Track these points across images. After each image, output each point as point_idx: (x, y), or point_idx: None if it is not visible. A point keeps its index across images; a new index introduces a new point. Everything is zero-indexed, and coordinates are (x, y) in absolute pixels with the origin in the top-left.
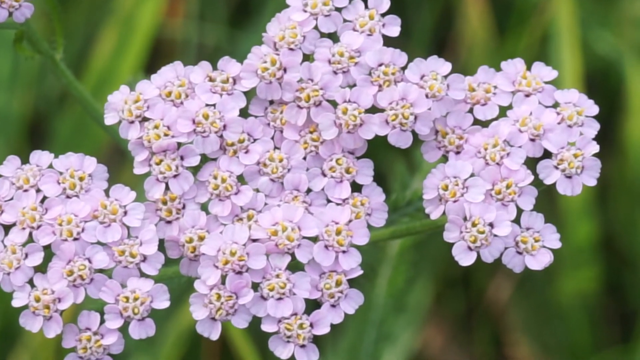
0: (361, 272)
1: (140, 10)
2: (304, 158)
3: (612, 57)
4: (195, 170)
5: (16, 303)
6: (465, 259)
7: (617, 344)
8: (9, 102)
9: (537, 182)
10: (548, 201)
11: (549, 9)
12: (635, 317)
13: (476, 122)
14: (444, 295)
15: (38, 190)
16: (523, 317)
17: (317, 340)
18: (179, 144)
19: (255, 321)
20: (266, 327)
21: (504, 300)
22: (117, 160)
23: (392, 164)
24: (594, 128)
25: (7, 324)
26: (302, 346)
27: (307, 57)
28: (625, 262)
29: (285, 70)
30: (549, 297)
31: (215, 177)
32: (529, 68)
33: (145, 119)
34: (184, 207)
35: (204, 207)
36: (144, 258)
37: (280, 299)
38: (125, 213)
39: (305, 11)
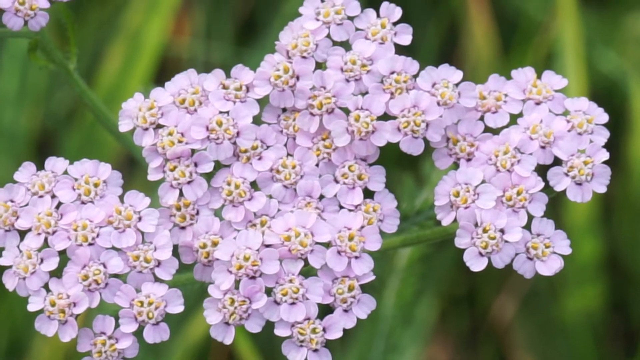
0: (374, 277)
1: (147, 27)
2: (317, 165)
3: (616, 75)
4: (209, 176)
5: (32, 307)
6: (477, 265)
7: None
8: (17, 118)
9: (547, 189)
10: (553, 218)
11: (553, 27)
12: (639, 335)
13: (487, 129)
14: (449, 312)
15: (53, 196)
16: (527, 335)
17: (329, 345)
18: (193, 151)
19: (263, 333)
20: (279, 332)
21: (509, 318)
22: (126, 172)
23: (400, 178)
24: (603, 136)
25: (15, 340)
26: (315, 350)
27: (320, 65)
28: (629, 279)
29: (297, 78)
30: (554, 315)
31: (228, 184)
32: (539, 77)
33: (159, 126)
34: (197, 213)
35: (218, 213)
36: (158, 263)
37: (293, 303)
38: (140, 219)
39: (317, 20)
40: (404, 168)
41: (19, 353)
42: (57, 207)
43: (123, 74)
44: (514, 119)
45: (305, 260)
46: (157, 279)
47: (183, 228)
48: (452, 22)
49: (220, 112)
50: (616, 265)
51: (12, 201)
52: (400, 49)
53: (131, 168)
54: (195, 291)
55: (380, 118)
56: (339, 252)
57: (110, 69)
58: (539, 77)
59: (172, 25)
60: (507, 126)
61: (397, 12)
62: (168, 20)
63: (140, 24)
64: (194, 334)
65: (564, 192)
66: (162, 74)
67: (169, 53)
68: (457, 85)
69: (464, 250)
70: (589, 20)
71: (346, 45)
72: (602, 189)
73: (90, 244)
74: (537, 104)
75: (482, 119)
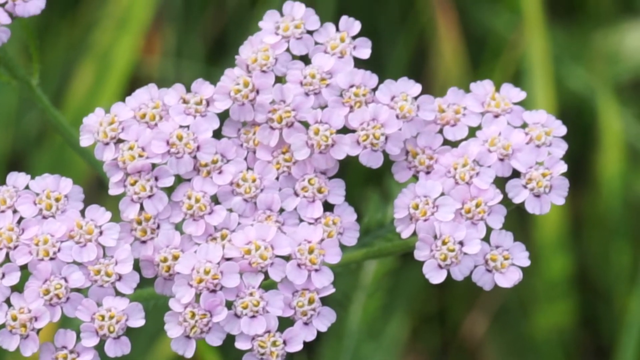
0: (333, 290)
1: (117, 46)
2: (277, 178)
3: (585, 93)
4: (169, 190)
5: None
6: (436, 277)
7: None
8: None
9: (506, 201)
10: (521, 235)
11: (521, 44)
12: (610, 351)
13: (446, 142)
14: (420, 330)
15: (15, 211)
16: (498, 351)
17: (290, 357)
18: (154, 165)
19: (229, 342)
20: (240, 345)
21: (480, 335)
22: (96, 192)
23: (366, 195)
24: (562, 148)
25: None
26: None
27: (280, 79)
28: (600, 295)
29: (257, 92)
30: (524, 331)
31: (189, 198)
32: (498, 90)
33: (120, 141)
34: (158, 227)
35: (178, 227)
36: (120, 277)
37: (253, 316)
38: (101, 233)
39: (277, 34)
40: (372, 184)
41: None
42: (19, 221)
43: (92, 93)
44: (472, 131)
45: (266, 274)
46: (118, 293)
47: (144, 242)
48: (421, 38)
49: (181, 127)
50: (586, 282)
51: None
52: (368, 66)
53: (100, 189)
54: (164, 309)
55: (339, 131)
56: (299, 265)
57: (79, 88)
58: (497, 90)
59: (143, 44)
60: (465, 139)
61: (356, 26)
62: (138, 39)
63: (110, 43)
64: (165, 350)
65: (523, 204)
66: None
67: (140, 72)
68: (416, 98)
69: (423, 262)
70: (557, 36)
71: (306, 59)
72: (561, 201)
73: (51, 259)
74: (496, 116)
75: (441, 131)
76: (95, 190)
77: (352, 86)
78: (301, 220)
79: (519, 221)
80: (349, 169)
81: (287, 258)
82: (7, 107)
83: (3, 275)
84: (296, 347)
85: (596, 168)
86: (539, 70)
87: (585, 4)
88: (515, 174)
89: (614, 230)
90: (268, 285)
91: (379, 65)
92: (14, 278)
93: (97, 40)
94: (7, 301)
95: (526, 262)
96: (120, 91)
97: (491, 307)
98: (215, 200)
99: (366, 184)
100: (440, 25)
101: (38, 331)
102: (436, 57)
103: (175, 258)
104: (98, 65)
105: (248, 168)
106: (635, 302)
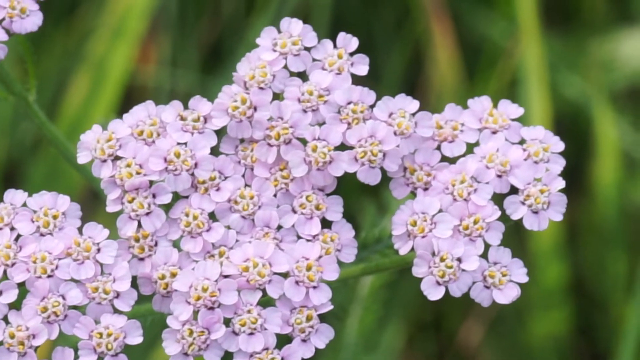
0: (331, 307)
1: (112, 56)
2: (275, 195)
3: (581, 100)
4: (167, 207)
5: None
6: (434, 294)
7: None
8: None
9: (504, 218)
10: (518, 243)
11: (517, 52)
12: (606, 359)
13: (444, 158)
14: (416, 338)
15: (12, 229)
16: (496, 356)
17: None
18: (151, 182)
19: (227, 356)
20: None
21: (476, 343)
22: (90, 203)
23: (362, 205)
24: (559, 164)
25: None
26: None
27: (277, 96)
28: (595, 303)
29: (255, 108)
30: (520, 339)
31: (187, 215)
32: (495, 106)
33: (117, 158)
34: (156, 244)
35: (176, 244)
36: (117, 294)
37: (252, 334)
38: (99, 250)
39: (274, 50)
40: (368, 194)
41: None
42: (16, 239)
43: (87, 103)
44: (470, 148)
45: (264, 291)
46: (116, 310)
47: (142, 259)
48: (416, 46)
49: (178, 144)
50: (582, 290)
51: None
52: (363, 76)
53: (94, 200)
54: (159, 322)
55: (337, 148)
56: (297, 282)
57: (74, 98)
58: (495, 106)
59: (138, 53)
60: (463, 155)
61: (354, 43)
62: (133, 48)
63: (105, 52)
64: None
65: (521, 222)
66: (127, 103)
67: (135, 81)
68: (413, 114)
69: (421, 278)
70: (552, 45)
71: (303, 76)
72: (559, 217)
73: (49, 276)
74: (494, 132)
75: (438, 148)
76: (90, 201)
77: (349, 103)
78: (299, 237)
79: (515, 230)
80: (344, 179)
81: (285, 275)
82: (1, 117)
83: (1, 293)
84: None
85: (592, 176)
86: (535, 79)
87: (580, 11)
88: (514, 190)
89: (609, 238)
90: (266, 302)
91: (375, 74)
92: (11, 295)
93: (92, 49)
94: (5, 319)
95: (524, 279)
96: (115, 101)
97: (487, 315)
98: (213, 217)
99: (362, 194)
100: (436, 34)
101: (36, 349)
102: (431, 66)
103: (173, 275)
104: (93, 74)
105: (246, 185)
106: (632, 310)
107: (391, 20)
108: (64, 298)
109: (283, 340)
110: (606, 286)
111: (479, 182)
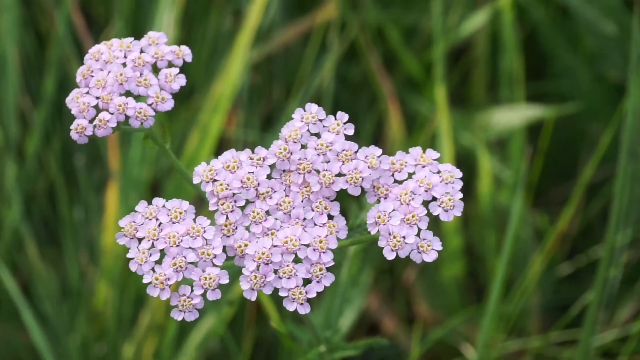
0: (333, 263)
1: (211, 122)
2: (302, 201)
3: (471, 147)
4: (242, 208)
5: (145, 280)
6: (389, 256)
7: (475, 304)
8: (140, 172)
9: (429, 214)
10: (436, 227)
11: (435, 120)
12: (484, 291)
13: (395, 181)
14: (379, 279)
15: (157, 219)
16: (423, 290)
17: (309, 301)
18: (234, 194)
19: (275, 291)
20: (282, 293)
21: (412, 281)
22: (199, 205)
23: (350, 206)
24: (459, 184)
25: (139, 295)
26: (301, 304)
27: (303, 146)
28: (479, 260)
29: (291, 153)
30: (437, 279)
31: (253, 212)
32: (424, 151)
33: (214, 180)
34: (236, 228)
35: (247, 228)
36: (215, 256)
37: (289, 278)
38: (205, 231)
39: (302, 121)
40: (353, 200)
41: (141, 303)
42: (159, 225)
43: (197, 149)
44: (410, 175)
45: (296, 254)
46: (214, 265)
47: (228, 237)
48: (380, 118)
49: (249, 173)
50: (471, 251)
51: (134, 222)
52: (351, 135)
53: (202, 203)
54: (237, 271)
55: (337, 175)
56: (314, 250)
57: (190, 146)
58: (424, 151)
59: (226, 120)
60: (406, 179)
61: (345, 117)
62: (224, 117)
63: (208, 120)
64: (237, 293)
65: (438, 215)
66: (220, 150)
67: (224, 136)
68: (379, 157)
69: (383, 247)
70: (455, 115)
71: (318, 135)
72: (459, 214)
73: (177, 246)
74: (423, 167)
75: (392, 175)
76: (199, 204)
77: (343, 150)
78: (315, 225)
79: (435, 220)
80: (341, 192)
81: (307, 245)
82: (150, 155)
83: (150, 255)
84: (312, 295)
85: (477, 190)
86: (445, 136)
87: (471, 96)
88: (434, 199)
89: (486, 223)
90: (297, 260)
91: (357, 134)
92: (156, 257)
93: (201, 118)
94: (152, 269)
95: (440, 247)
96: (213, 148)
97: (419, 266)
98: (268, 213)
99: (350, 200)
100: (390, 109)
101: (169, 286)
102: (388, 128)
103: (246, 245)
104: (201, 133)
105: (286, 195)
106: (499, 263)
107: (366, 102)
108: (185, 258)
109: (306, 282)
110: (484, 250)
111: (415, 194)
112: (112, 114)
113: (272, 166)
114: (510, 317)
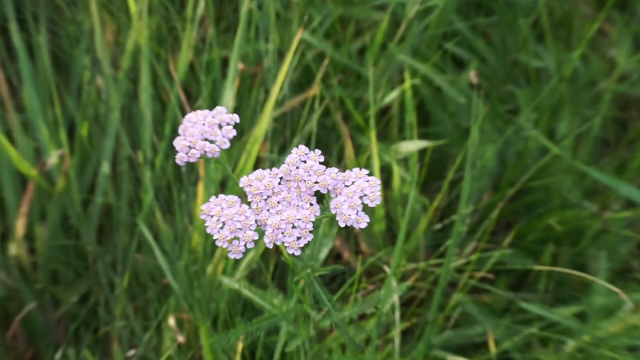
0: (313, 228)
1: (252, 150)
2: (296, 197)
3: (389, 163)
4: (265, 200)
5: (215, 237)
6: (342, 224)
7: (391, 245)
8: (215, 177)
9: (362, 203)
10: (368, 209)
11: (370, 148)
12: (396, 237)
13: (345, 186)
14: (340, 231)
15: (220, 205)
16: (364, 236)
17: (301, 249)
18: (260, 192)
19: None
20: (286, 244)
21: (358, 232)
22: (242, 197)
23: (322, 198)
24: (378, 187)
25: (213, 244)
26: (296, 250)
27: (297, 167)
28: (393, 221)
29: (291, 171)
30: (371, 231)
31: (271, 202)
32: (360, 169)
33: (250, 185)
34: (262, 211)
35: (268, 211)
36: (250, 225)
37: (290, 236)
38: (245, 212)
39: (296, 154)
40: (323, 196)
41: (215, 247)
42: (222, 209)
43: (244, 166)
44: (353, 183)
45: (293, 224)
46: (250, 230)
47: (257, 215)
48: (341, 147)
49: (269, 181)
50: (389, 217)
51: (209, 206)
52: (323, 162)
53: (244, 197)
54: (262, 233)
55: (314, 183)
56: (302, 221)
57: (240, 164)
58: (360, 170)
59: (260, 148)
60: (351, 185)
61: (319, 152)
62: (259, 147)
63: (250, 148)
64: (261, 246)
65: (367, 204)
66: (256, 166)
67: (260, 157)
68: (336, 173)
69: (338, 220)
70: (381, 146)
71: (305, 162)
72: (379, 202)
73: (231, 220)
74: (360, 178)
75: (344, 183)
76: (242, 196)
77: (318, 169)
78: (303, 208)
79: (366, 207)
80: (317, 193)
81: (299, 219)
82: (218, 169)
83: (217, 224)
84: (302, 244)
85: (393, 184)
86: (375, 157)
87: (390, 135)
88: (365, 195)
89: (397, 202)
90: (294, 227)
91: (326, 161)
92: (220, 225)
93: (246, 148)
94: (218, 232)
95: (368, 221)
96: (253, 165)
97: (363, 231)
98: (278, 203)
99: (322, 196)
100: (347, 143)
101: (228, 240)
102: (346, 154)
103: (267, 220)
104: (246, 156)
105: (288, 194)
106: (403, 224)
107: (334, 139)
108: (235, 226)
109: (299, 238)
110: (396, 216)
111: (355, 193)
112: (197, 150)
113: (281, 178)
114: (409, 251)
